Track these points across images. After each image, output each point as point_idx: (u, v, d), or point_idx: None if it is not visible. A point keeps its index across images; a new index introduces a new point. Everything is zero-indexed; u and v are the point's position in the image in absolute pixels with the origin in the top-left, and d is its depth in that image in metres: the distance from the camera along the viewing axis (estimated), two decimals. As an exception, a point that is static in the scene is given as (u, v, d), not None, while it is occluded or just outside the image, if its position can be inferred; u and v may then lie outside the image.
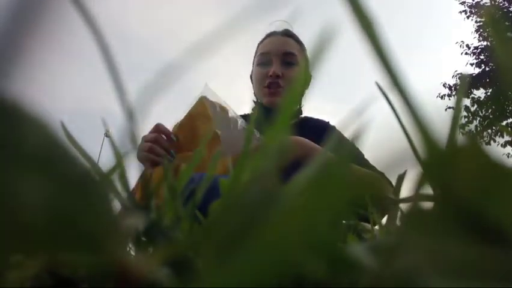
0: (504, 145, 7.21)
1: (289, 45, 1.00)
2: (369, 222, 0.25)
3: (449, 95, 7.37)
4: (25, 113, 0.08)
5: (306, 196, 0.08)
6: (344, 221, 0.22)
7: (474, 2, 7.31)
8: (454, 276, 0.08)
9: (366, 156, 0.81)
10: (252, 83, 1.07)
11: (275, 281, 0.08)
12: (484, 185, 0.09)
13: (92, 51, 0.16)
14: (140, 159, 0.67)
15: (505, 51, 0.11)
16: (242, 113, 1.04)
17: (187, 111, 0.73)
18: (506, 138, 7.28)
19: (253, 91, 1.08)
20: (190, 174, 0.20)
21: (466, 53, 7.11)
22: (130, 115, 0.15)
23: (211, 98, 0.73)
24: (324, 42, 0.13)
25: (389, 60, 0.11)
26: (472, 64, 7.27)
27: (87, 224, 0.09)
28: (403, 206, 0.19)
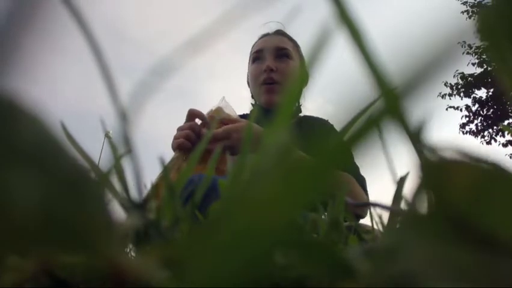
0: (505, 145, 7.20)
1: (281, 41, 1.03)
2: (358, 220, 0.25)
3: (450, 94, 7.36)
4: (22, 111, 0.08)
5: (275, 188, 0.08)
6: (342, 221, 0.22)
7: (476, 2, 7.30)
8: (449, 280, 0.08)
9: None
10: (249, 86, 1.09)
11: (254, 277, 0.08)
12: (478, 193, 0.09)
13: (91, 51, 0.16)
14: (174, 147, 0.68)
15: (501, 57, 0.11)
16: (241, 113, 1.05)
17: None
18: (508, 137, 7.27)
19: (250, 94, 1.09)
20: (189, 176, 0.20)
21: (468, 53, 7.09)
22: (123, 115, 0.15)
23: (226, 111, 0.74)
24: (323, 41, 0.13)
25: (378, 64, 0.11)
26: (473, 64, 7.26)
27: (83, 223, 0.09)
28: (403, 209, 0.19)
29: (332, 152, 0.08)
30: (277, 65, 0.98)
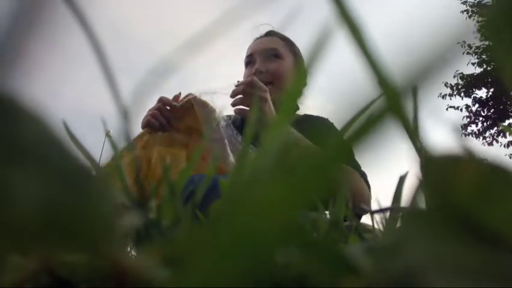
0: (507, 145, 7.19)
1: (271, 42, 1.05)
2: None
3: (450, 95, 7.35)
4: (23, 110, 0.08)
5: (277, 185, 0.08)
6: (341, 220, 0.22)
7: (476, 1, 7.29)
8: (451, 278, 0.08)
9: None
10: None
11: (257, 275, 0.08)
12: (481, 191, 0.09)
13: (93, 50, 0.16)
14: (142, 125, 0.75)
15: (504, 52, 0.11)
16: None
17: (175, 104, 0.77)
18: (509, 138, 7.26)
19: None
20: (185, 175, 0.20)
21: (468, 53, 7.08)
22: (125, 114, 0.15)
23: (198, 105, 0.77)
24: (323, 40, 0.13)
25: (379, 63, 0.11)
26: (473, 64, 7.25)
27: (84, 222, 0.09)
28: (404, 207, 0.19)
29: (333, 150, 0.08)
30: (267, 66, 1.00)
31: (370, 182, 0.86)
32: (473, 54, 7.17)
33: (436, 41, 0.09)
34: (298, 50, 1.09)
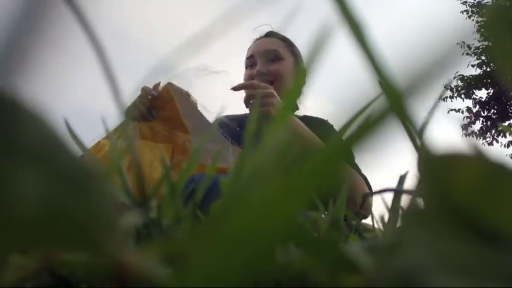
0: (507, 145, 7.19)
1: (271, 43, 1.06)
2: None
3: (450, 97, 7.35)
4: (24, 109, 0.08)
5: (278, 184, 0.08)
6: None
7: (475, 2, 7.29)
8: (452, 276, 0.08)
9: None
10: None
11: (257, 274, 0.08)
12: (481, 188, 0.09)
13: (93, 51, 0.16)
14: (125, 114, 0.73)
15: (505, 52, 0.11)
16: (242, 113, 1.06)
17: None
18: (510, 138, 7.25)
19: None
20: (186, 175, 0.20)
21: (467, 54, 7.09)
22: (125, 114, 0.15)
23: (175, 93, 0.77)
24: (323, 40, 0.13)
25: (381, 64, 0.11)
26: (473, 65, 7.25)
27: (85, 221, 0.09)
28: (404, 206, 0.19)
29: (333, 148, 0.08)
30: (268, 68, 1.00)
31: (372, 185, 0.85)
32: (473, 55, 7.17)
33: (436, 41, 0.10)
34: (298, 50, 1.10)
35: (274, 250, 0.10)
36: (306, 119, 1.05)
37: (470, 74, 7.45)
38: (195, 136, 0.73)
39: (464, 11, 7.28)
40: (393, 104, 0.09)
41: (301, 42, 1.10)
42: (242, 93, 1.08)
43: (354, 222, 0.24)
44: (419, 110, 0.11)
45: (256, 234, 0.08)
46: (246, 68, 1.08)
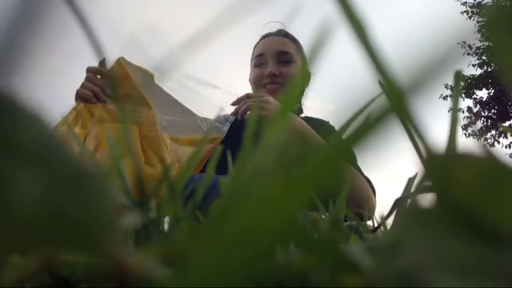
0: (508, 146, 7.18)
1: (284, 44, 1.02)
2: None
3: (451, 96, 7.33)
4: (23, 109, 0.08)
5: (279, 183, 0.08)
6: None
7: (476, 2, 7.29)
8: (453, 275, 0.08)
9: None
10: (251, 85, 1.08)
11: (257, 275, 0.08)
12: (483, 187, 0.09)
13: (92, 50, 0.16)
14: (75, 97, 0.69)
15: (506, 52, 0.11)
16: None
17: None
18: (510, 138, 7.24)
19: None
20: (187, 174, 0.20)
21: (468, 54, 7.08)
22: (123, 112, 0.15)
23: (127, 67, 0.71)
24: (324, 39, 0.13)
25: (383, 63, 0.11)
26: (474, 65, 7.24)
27: (84, 222, 0.09)
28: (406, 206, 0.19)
29: (333, 148, 0.08)
30: (281, 70, 0.98)
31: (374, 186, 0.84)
32: (474, 55, 7.16)
33: (437, 41, 0.09)
34: (304, 52, 1.08)
35: (274, 250, 0.10)
36: (306, 120, 1.04)
37: (471, 73, 7.44)
38: (159, 110, 0.69)
39: (465, 11, 7.28)
40: (394, 103, 0.09)
41: (302, 42, 1.09)
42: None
43: (354, 223, 0.24)
44: (420, 110, 0.11)
45: (256, 234, 0.08)
46: (255, 66, 1.03)
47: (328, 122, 1.03)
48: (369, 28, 0.11)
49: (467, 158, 0.09)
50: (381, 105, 0.09)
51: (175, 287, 0.09)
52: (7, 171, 0.08)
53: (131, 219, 0.13)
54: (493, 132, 7.43)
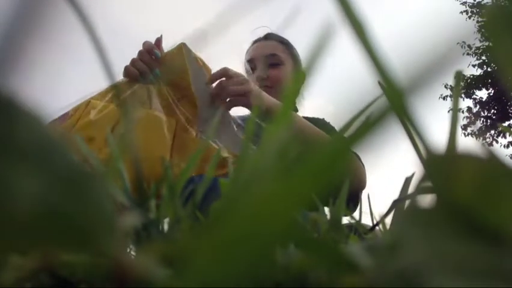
0: (507, 146, 7.18)
1: (271, 47, 1.04)
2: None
3: (451, 96, 7.33)
4: (22, 109, 0.08)
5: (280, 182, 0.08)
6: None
7: (475, 2, 7.29)
8: (453, 275, 0.08)
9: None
10: None
11: (257, 274, 0.08)
12: (483, 187, 0.09)
13: (94, 50, 0.16)
14: (123, 74, 0.64)
15: (506, 52, 0.11)
16: (242, 114, 1.06)
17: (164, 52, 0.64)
18: (509, 139, 7.25)
19: None
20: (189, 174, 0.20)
21: (468, 54, 7.09)
22: (125, 113, 0.15)
23: (189, 59, 0.64)
24: (324, 40, 0.13)
25: (383, 63, 0.11)
26: (473, 65, 7.25)
27: (84, 222, 0.09)
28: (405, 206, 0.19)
29: (333, 149, 0.08)
30: (270, 73, 1.00)
31: (369, 184, 0.85)
32: (473, 55, 7.17)
33: (437, 41, 0.09)
34: (297, 52, 1.09)
35: (274, 250, 0.10)
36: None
37: (471, 74, 7.45)
38: (202, 113, 0.63)
39: (464, 11, 7.28)
40: (394, 103, 0.09)
41: (301, 42, 1.09)
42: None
43: (353, 223, 0.24)
44: (420, 110, 0.11)
45: (256, 234, 0.08)
46: (246, 72, 1.05)
47: (329, 123, 1.04)
48: (369, 28, 0.11)
49: (467, 158, 0.09)
50: (381, 105, 0.09)
51: (175, 287, 0.09)
52: (6, 171, 0.08)
53: (131, 219, 0.13)
54: (492, 132, 7.43)
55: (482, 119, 7.62)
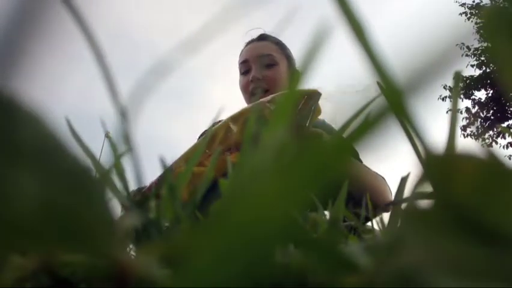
0: (506, 147, 7.19)
1: (265, 48, 1.04)
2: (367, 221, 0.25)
3: (450, 97, 7.35)
4: (22, 110, 0.08)
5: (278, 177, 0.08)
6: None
7: (474, 3, 7.31)
8: (451, 276, 0.08)
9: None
10: (241, 93, 1.10)
11: (256, 273, 0.08)
12: (482, 188, 0.09)
13: (91, 51, 0.16)
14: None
15: (504, 52, 0.11)
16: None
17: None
18: (509, 139, 7.26)
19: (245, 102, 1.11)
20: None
21: (467, 55, 7.10)
22: (123, 115, 0.15)
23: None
24: (321, 39, 0.13)
25: (382, 64, 0.11)
26: (472, 66, 7.26)
27: (84, 222, 0.09)
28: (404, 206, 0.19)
29: (332, 147, 0.08)
30: (264, 74, 1.00)
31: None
32: (472, 56, 7.18)
33: (435, 42, 0.10)
34: (291, 52, 1.10)
35: (273, 250, 0.10)
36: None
37: (470, 74, 7.47)
38: None
39: (463, 12, 7.30)
40: (393, 104, 0.09)
41: (300, 42, 1.09)
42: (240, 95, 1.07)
43: (353, 223, 0.24)
44: (419, 110, 0.11)
45: (256, 234, 0.08)
46: (241, 74, 1.06)
47: (324, 120, 1.04)
48: (368, 29, 0.11)
49: (466, 159, 0.09)
50: (380, 106, 0.09)
51: (175, 287, 0.09)
52: (7, 172, 0.08)
53: (131, 219, 0.13)
54: (491, 132, 7.44)
55: (481, 119, 7.63)
